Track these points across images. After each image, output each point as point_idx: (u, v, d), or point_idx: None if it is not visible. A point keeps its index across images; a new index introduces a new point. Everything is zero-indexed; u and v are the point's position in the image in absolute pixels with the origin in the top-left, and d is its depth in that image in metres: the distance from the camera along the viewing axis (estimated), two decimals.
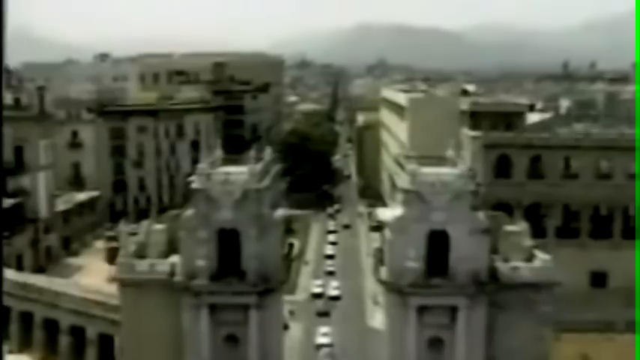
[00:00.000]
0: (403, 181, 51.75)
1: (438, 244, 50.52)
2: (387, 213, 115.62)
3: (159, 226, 58.66)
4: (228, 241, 51.14)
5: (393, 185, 58.10)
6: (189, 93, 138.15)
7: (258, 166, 53.76)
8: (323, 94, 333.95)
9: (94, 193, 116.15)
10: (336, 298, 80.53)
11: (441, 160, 60.56)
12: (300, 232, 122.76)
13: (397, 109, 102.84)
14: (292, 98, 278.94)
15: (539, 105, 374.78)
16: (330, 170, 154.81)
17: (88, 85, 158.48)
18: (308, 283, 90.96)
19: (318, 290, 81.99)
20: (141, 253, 56.50)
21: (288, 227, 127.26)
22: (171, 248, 55.54)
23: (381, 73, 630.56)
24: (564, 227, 78.76)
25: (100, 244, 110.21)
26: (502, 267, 52.30)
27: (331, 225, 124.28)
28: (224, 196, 51.08)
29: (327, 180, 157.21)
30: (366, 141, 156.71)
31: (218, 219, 50.90)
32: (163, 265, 53.39)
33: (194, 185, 52.12)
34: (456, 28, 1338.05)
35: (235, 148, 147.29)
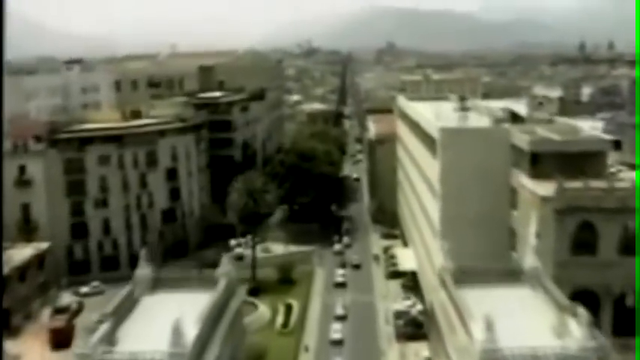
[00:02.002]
0: (467, 353, 27.60)
1: None
2: (407, 257, 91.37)
3: None
4: None
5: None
6: (164, 109, 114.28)
7: (195, 332, 29.64)
8: (329, 89, 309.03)
9: (43, 245, 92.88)
10: None
11: (509, 277, 36.71)
12: (301, 283, 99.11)
13: (424, 136, 78.52)
14: (295, 97, 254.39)
15: (557, 92, 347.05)
16: (339, 191, 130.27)
17: (53, 99, 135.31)
18: None
19: None
20: None
21: (287, 277, 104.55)
22: None
23: (391, 59, 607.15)
24: None
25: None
26: None
27: (339, 274, 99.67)
28: None
29: (335, 201, 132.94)
30: (380, 157, 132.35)
31: None
32: None
33: None
34: (466, 8, 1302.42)
35: (223, 174, 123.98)
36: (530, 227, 54.48)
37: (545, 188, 54.18)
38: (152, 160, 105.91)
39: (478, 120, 71.64)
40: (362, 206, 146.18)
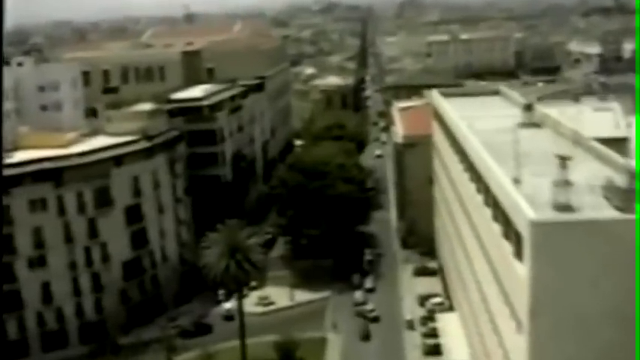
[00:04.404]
0: None
1: None
2: (454, 333, 65.18)
3: None
4: None
5: None
6: (124, 123, 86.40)
7: None
8: (348, 56, 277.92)
9: None
10: None
11: None
12: None
13: (488, 197, 49.99)
14: (309, 70, 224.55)
15: (596, 48, 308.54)
16: (359, 215, 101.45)
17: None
18: None
19: None
20: None
21: (289, 356, 77.17)
22: None
23: (413, 14, 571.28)
24: None
25: None
26: None
27: None
28: None
29: (355, 223, 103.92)
30: (410, 165, 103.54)
31: None
32: None
33: None
34: None
35: (209, 200, 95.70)
36: None
37: None
38: (104, 200, 78.73)
39: (586, 179, 42.45)
40: (387, 215, 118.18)
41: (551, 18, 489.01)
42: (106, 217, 78.92)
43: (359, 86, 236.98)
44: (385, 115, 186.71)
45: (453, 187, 71.49)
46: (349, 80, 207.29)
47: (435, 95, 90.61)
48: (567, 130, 57.42)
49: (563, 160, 40.07)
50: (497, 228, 46.11)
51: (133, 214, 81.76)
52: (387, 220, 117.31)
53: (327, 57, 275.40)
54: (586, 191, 41.52)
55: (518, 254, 39.88)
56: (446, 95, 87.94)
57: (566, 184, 39.47)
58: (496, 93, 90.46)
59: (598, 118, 62.37)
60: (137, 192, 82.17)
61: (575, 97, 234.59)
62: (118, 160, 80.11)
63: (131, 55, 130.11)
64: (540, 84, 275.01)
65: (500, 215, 44.82)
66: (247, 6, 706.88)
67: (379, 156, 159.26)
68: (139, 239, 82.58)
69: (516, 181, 43.70)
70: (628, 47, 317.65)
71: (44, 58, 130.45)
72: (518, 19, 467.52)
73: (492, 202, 47.92)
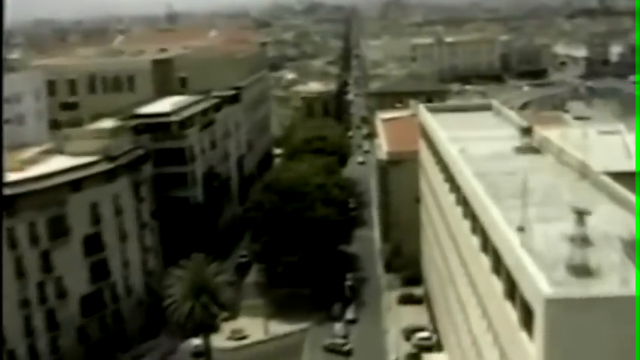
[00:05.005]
0: None
1: None
2: None
3: None
4: None
5: None
6: (84, 143, 78.90)
7: None
8: (330, 60, 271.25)
9: None
10: None
11: None
12: None
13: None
14: (290, 75, 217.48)
15: (582, 51, 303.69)
16: (340, 237, 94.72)
17: None
18: None
19: None
20: None
21: None
22: None
23: (397, 14, 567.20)
24: None
25: None
26: None
27: None
28: None
29: (338, 240, 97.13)
30: (395, 182, 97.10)
31: None
32: None
33: None
34: None
35: (178, 224, 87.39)
36: None
37: None
38: (60, 229, 71.29)
39: (601, 226, 35.94)
40: (371, 234, 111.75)
41: (537, 19, 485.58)
42: (62, 248, 71.55)
43: (342, 90, 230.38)
44: (368, 121, 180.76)
45: (443, 217, 64.89)
46: (331, 86, 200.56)
47: (421, 110, 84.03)
48: (572, 159, 51.07)
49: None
50: (497, 284, 39.57)
51: (93, 244, 74.44)
52: (371, 238, 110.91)
53: (310, 60, 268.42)
54: (603, 245, 35.12)
55: (526, 325, 33.34)
56: (433, 111, 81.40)
57: (583, 242, 32.95)
58: (487, 108, 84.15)
59: (605, 145, 56.02)
60: (97, 219, 74.88)
61: (562, 102, 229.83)
62: (76, 185, 72.75)
63: (99, 63, 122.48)
64: (527, 88, 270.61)
65: (503, 270, 38.25)
66: (232, 5, 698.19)
67: (362, 163, 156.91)
68: (100, 271, 75.30)
69: (520, 230, 37.24)
70: (615, 50, 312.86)
71: (9, 67, 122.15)
72: (503, 21, 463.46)
73: (492, 251, 41.35)
